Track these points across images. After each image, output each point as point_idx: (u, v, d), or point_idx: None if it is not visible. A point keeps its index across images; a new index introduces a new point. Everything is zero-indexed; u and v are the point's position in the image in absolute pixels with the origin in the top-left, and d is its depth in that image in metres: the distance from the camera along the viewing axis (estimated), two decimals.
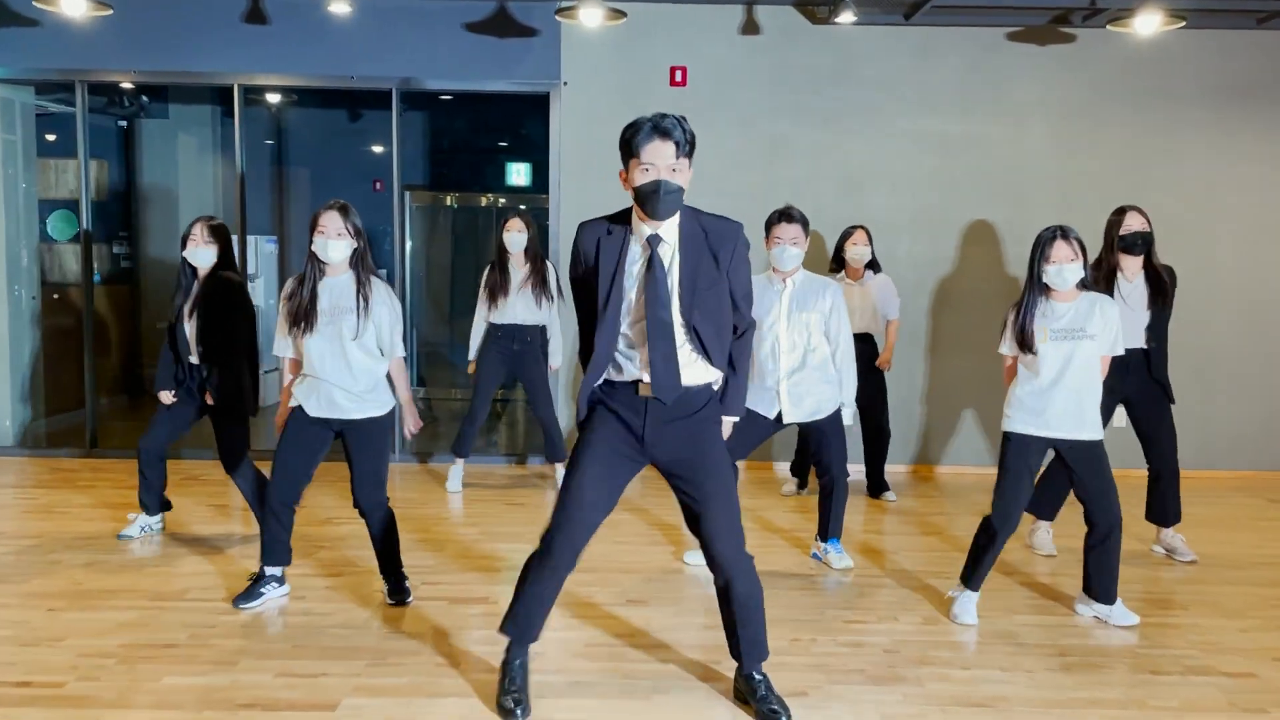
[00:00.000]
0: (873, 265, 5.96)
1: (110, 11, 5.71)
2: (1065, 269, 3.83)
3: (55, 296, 8.04)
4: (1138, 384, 4.77)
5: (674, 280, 2.95)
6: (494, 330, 5.94)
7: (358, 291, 3.97)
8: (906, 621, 4.06)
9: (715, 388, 3.14)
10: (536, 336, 5.95)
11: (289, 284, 4.02)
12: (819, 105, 6.76)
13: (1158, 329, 4.76)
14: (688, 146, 2.90)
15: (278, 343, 4.10)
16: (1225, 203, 6.79)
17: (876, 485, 6.11)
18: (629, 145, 2.90)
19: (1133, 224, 4.69)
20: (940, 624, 4.04)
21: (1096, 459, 3.95)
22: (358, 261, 3.99)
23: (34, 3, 5.53)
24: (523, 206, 10.05)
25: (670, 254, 2.96)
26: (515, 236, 5.87)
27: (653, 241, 2.95)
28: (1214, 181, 6.78)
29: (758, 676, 3.21)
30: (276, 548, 4.12)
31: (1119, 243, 4.70)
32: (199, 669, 3.49)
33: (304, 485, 4.08)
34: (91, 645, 3.67)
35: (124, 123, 9.51)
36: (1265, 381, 6.86)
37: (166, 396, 4.91)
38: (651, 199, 2.87)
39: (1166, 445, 4.82)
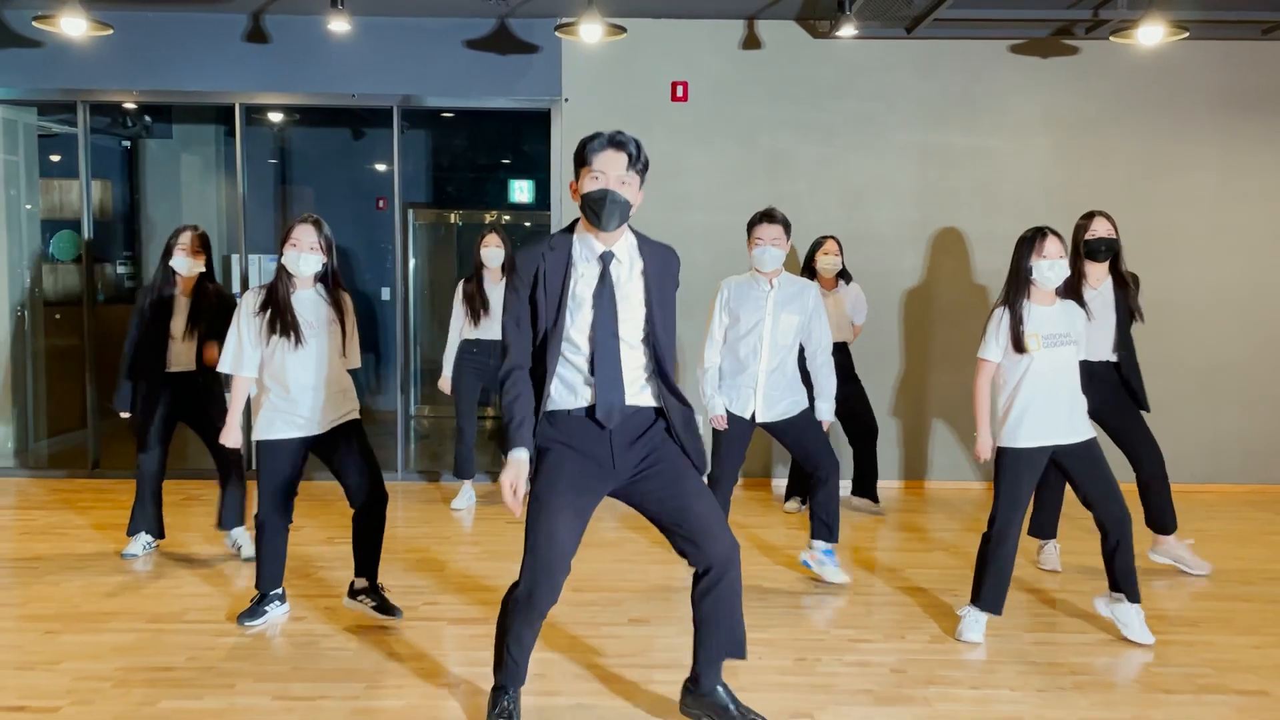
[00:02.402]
0: (844, 275, 5.95)
1: (110, 31, 5.70)
2: (1057, 264, 3.83)
3: (57, 316, 8.02)
4: (1106, 395, 4.62)
5: (632, 299, 2.92)
6: (469, 346, 5.91)
7: (333, 304, 4.01)
8: (913, 640, 4.00)
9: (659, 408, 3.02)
10: (488, 352, 5.91)
11: (254, 299, 3.96)
12: (820, 119, 6.73)
13: (1124, 337, 4.66)
14: (640, 165, 2.88)
15: (242, 360, 3.99)
16: (1232, 215, 6.74)
17: (868, 492, 6.08)
18: (582, 153, 2.88)
19: (1099, 230, 4.60)
20: (948, 642, 3.98)
21: (1094, 458, 3.92)
22: (327, 276, 4.02)
23: (34, 24, 5.54)
24: (526, 223, 10.04)
25: (624, 272, 2.93)
26: (494, 252, 5.86)
27: (605, 259, 2.91)
28: (1220, 194, 6.74)
29: (721, 689, 3.12)
30: (274, 568, 4.09)
31: (1084, 248, 4.61)
32: (196, 692, 3.44)
33: (293, 499, 4.08)
34: (88, 668, 3.63)
35: (127, 143, 9.53)
36: (1275, 394, 6.79)
37: (127, 415, 4.92)
38: (599, 206, 2.82)
39: (1147, 453, 4.70)
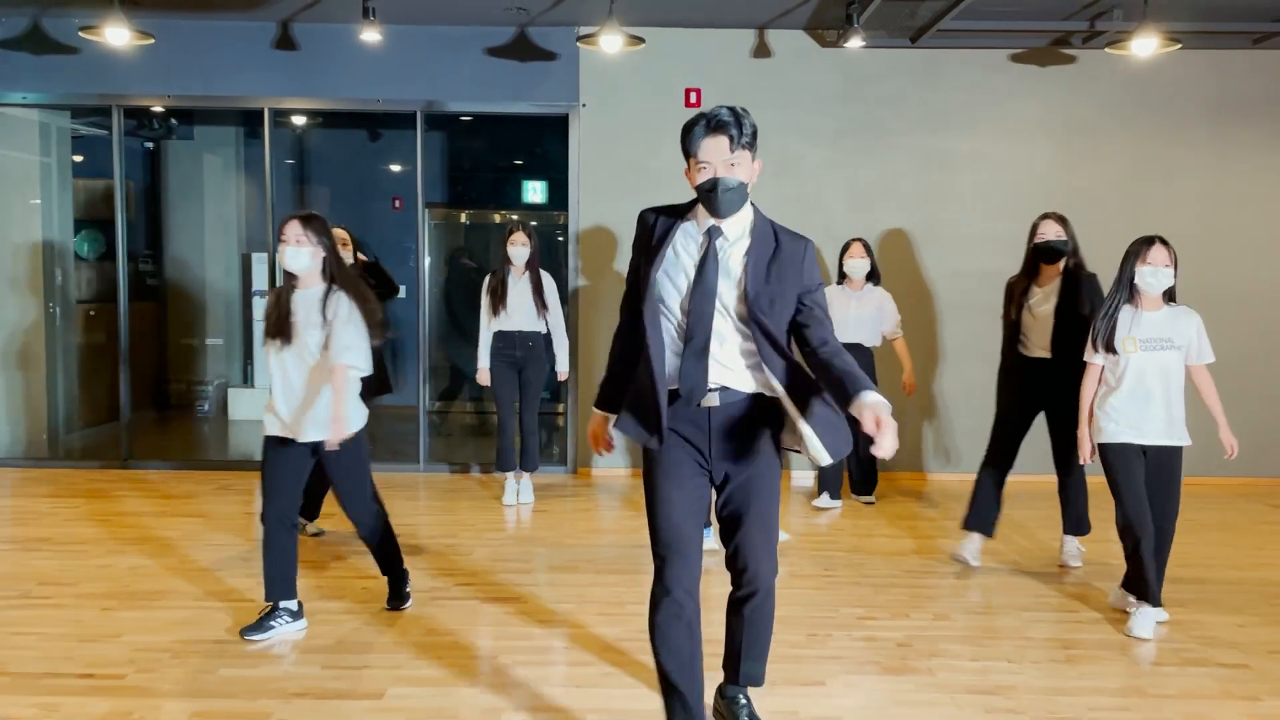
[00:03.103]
0: (872, 277, 6.08)
1: (152, 40, 5.96)
2: (1160, 272, 3.98)
3: (91, 313, 8.29)
4: (1051, 392, 4.72)
5: (733, 277, 2.76)
6: (499, 338, 6.04)
7: (324, 305, 3.86)
8: (918, 618, 4.26)
9: (771, 397, 2.83)
10: (539, 342, 6.06)
11: (268, 299, 3.99)
12: (828, 124, 6.99)
13: (1064, 337, 4.65)
14: (745, 138, 2.72)
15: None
16: (1225, 218, 6.99)
17: (868, 490, 6.29)
18: (685, 143, 2.77)
19: (1048, 232, 4.69)
20: (951, 619, 4.24)
21: (1175, 465, 4.10)
22: (328, 273, 3.90)
23: (80, 34, 5.80)
24: (533, 222, 10.28)
25: (728, 248, 2.78)
26: (519, 250, 6.00)
27: (712, 234, 2.77)
28: (1213, 197, 6.99)
29: (743, 701, 3.10)
30: (275, 574, 3.95)
31: (1034, 250, 4.73)
32: (250, 662, 3.70)
33: (299, 504, 4.05)
34: (146, 640, 3.89)
35: (150, 144, 9.79)
36: (1266, 390, 7.03)
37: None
38: (710, 198, 2.72)
39: (1075, 456, 4.62)
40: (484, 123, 9.51)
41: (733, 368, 2.78)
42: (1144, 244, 4.05)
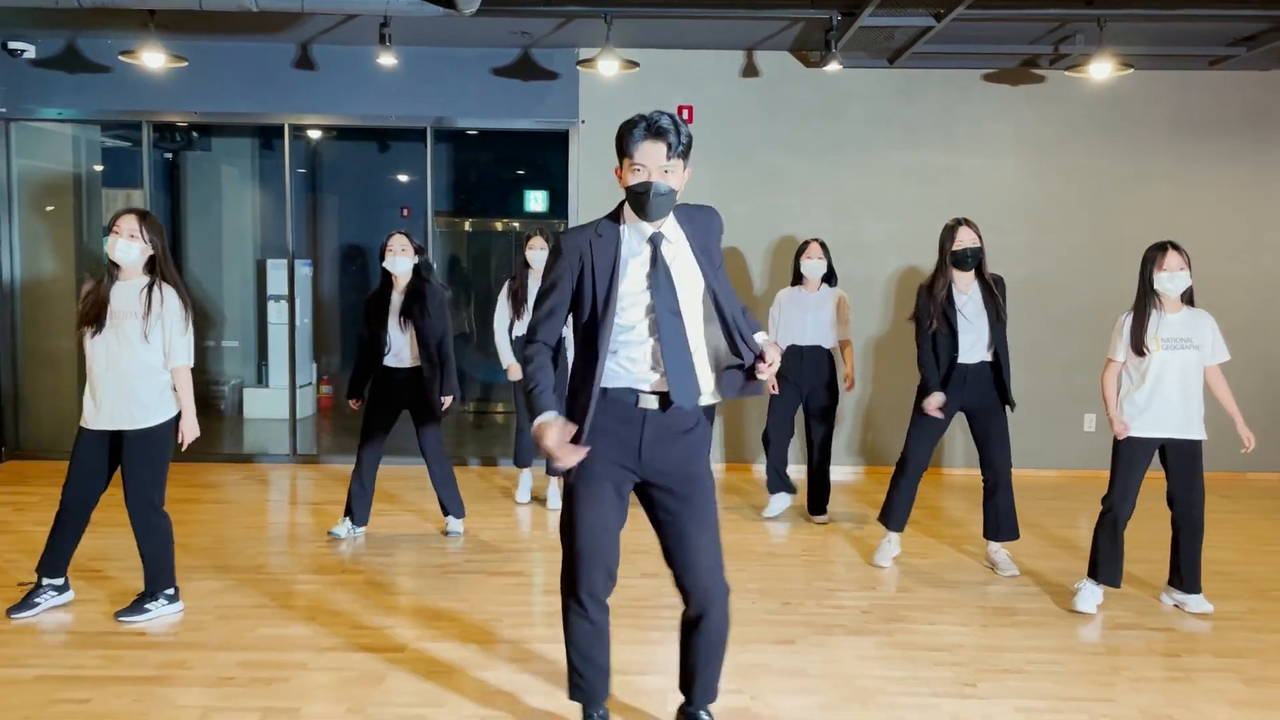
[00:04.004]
0: (829, 278, 6.04)
1: (185, 63, 6.43)
2: (1176, 276, 4.27)
3: None
4: (979, 395, 4.90)
5: (687, 275, 2.86)
6: (518, 341, 6.12)
7: (148, 297, 4.02)
8: (882, 591, 4.73)
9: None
10: (559, 345, 6.43)
11: (88, 284, 4.16)
12: (813, 139, 7.46)
13: (998, 338, 4.88)
14: (681, 147, 2.79)
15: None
16: (1183, 227, 7.41)
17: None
18: (622, 143, 2.82)
19: (964, 240, 4.85)
20: (912, 592, 4.70)
21: (1195, 458, 4.38)
22: (154, 267, 4.08)
23: (119, 57, 6.26)
24: (540, 227, 10.75)
25: (673, 250, 2.86)
26: (538, 254, 6.13)
27: (655, 240, 2.84)
28: (1173, 207, 7.45)
29: (705, 717, 3.15)
30: (59, 556, 4.24)
31: (951, 257, 4.88)
32: (285, 623, 4.17)
33: (101, 492, 4.26)
34: (191, 605, 4.36)
35: (169, 155, 10.26)
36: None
37: (356, 404, 5.47)
38: (641, 199, 2.77)
39: (999, 458, 4.92)
40: (488, 137, 9.98)
41: (700, 370, 2.90)
42: (1159, 251, 4.33)
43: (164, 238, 4.13)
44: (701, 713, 3.13)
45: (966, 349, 4.89)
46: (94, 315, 4.04)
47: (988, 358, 4.92)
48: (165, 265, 4.11)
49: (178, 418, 4.20)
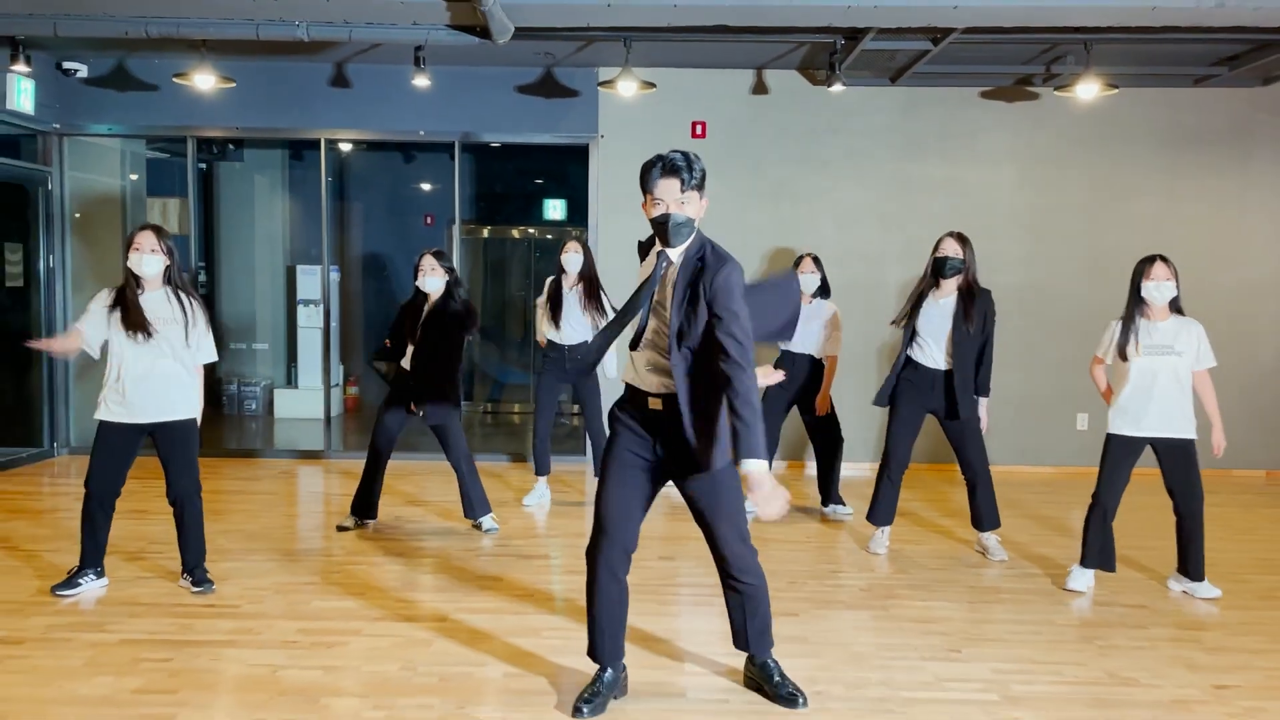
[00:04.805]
0: (822, 291, 6.23)
1: (233, 84, 6.90)
2: (1162, 285, 4.59)
3: None
4: (942, 400, 5.19)
5: (669, 300, 3.20)
6: (551, 348, 6.28)
7: (180, 303, 4.49)
8: (880, 572, 5.14)
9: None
10: (563, 355, 6.24)
11: (107, 295, 4.52)
12: (819, 153, 7.88)
13: (960, 348, 5.10)
14: (695, 181, 3.19)
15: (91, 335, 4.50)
16: (1171, 236, 7.83)
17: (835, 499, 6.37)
18: (643, 181, 3.24)
19: (947, 250, 5.14)
20: (907, 573, 5.11)
21: (1186, 455, 4.66)
22: (169, 276, 4.51)
23: (173, 79, 6.73)
24: (548, 236, 11.20)
25: (672, 273, 3.24)
26: (571, 258, 6.23)
27: (660, 259, 3.26)
28: (1161, 218, 7.85)
29: (771, 663, 3.55)
30: (96, 544, 4.61)
31: (933, 265, 5.19)
32: (336, 596, 4.61)
33: (122, 484, 4.62)
34: (250, 583, 4.79)
35: (204, 165, 10.74)
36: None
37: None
38: (661, 229, 3.21)
39: (975, 457, 5.22)
40: (510, 149, 10.43)
41: (659, 378, 3.26)
42: (1147, 263, 4.67)
43: (175, 248, 4.56)
44: (769, 661, 3.55)
45: (926, 354, 5.21)
46: (140, 323, 4.43)
47: (945, 365, 5.19)
48: (178, 274, 4.56)
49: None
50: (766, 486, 3.07)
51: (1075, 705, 3.57)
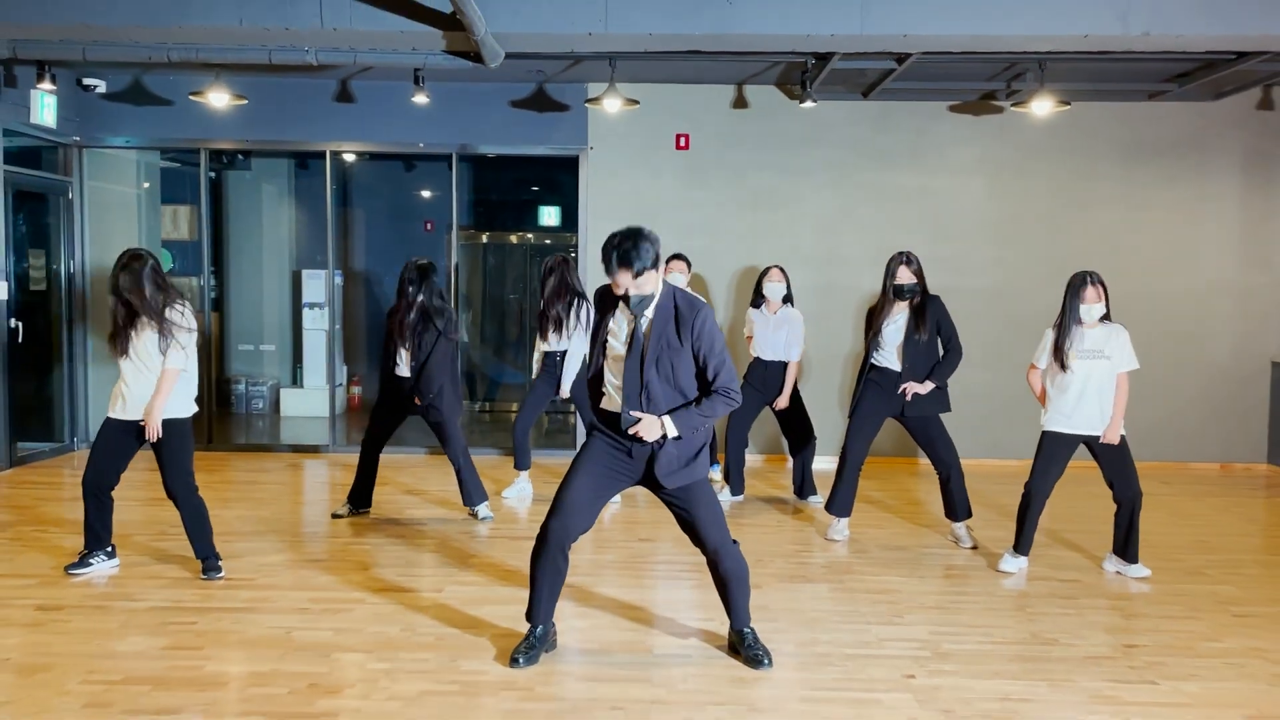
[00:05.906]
0: (788, 300, 6.68)
1: (246, 101, 7.36)
2: (1093, 308, 4.99)
3: None
4: (902, 403, 5.61)
5: (651, 347, 3.71)
6: (545, 357, 6.56)
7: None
8: (839, 551, 5.60)
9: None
10: (555, 364, 6.53)
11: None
12: (796, 163, 8.34)
13: (912, 353, 5.57)
14: (646, 265, 3.60)
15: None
16: (1130, 242, 8.30)
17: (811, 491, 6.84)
18: (604, 266, 3.66)
19: (901, 279, 5.62)
20: (866, 553, 5.57)
21: (1121, 450, 5.06)
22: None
23: (190, 96, 7.19)
24: (547, 240, 11.66)
25: (647, 325, 3.74)
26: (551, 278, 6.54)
27: (637, 313, 3.73)
28: (1120, 224, 8.31)
29: (746, 630, 4.02)
30: (101, 529, 4.99)
31: (892, 290, 5.64)
32: (343, 572, 5.07)
33: (115, 478, 4.96)
34: (263, 560, 5.26)
35: (213, 174, 11.19)
36: (1168, 381, 8.31)
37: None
38: (628, 303, 3.71)
39: (945, 454, 5.62)
40: (505, 160, 10.90)
41: (656, 406, 3.78)
42: (1081, 285, 5.01)
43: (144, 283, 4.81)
44: (745, 630, 4.02)
45: (887, 361, 5.67)
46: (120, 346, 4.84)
47: (897, 369, 5.63)
48: (153, 301, 4.80)
49: (192, 416, 4.98)
50: (656, 424, 3.71)
51: (997, 660, 4.03)
